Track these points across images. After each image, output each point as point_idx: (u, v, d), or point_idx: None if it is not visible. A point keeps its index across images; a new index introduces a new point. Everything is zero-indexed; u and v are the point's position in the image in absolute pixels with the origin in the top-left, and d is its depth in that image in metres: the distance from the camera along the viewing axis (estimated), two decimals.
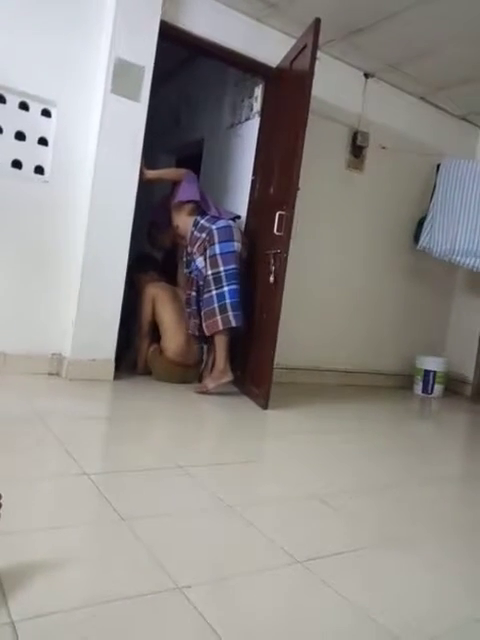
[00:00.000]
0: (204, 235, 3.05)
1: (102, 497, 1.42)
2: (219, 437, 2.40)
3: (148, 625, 0.93)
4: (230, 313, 2.93)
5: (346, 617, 1.04)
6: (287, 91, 3.03)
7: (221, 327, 2.94)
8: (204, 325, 3.01)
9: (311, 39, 2.67)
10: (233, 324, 2.92)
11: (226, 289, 2.94)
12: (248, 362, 3.09)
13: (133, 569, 1.10)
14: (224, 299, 2.94)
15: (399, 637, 0.99)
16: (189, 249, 3.17)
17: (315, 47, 2.67)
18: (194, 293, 3.11)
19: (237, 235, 3.06)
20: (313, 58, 2.66)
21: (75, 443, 1.82)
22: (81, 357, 2.81)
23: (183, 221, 3.19)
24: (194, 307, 3.11)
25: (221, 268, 2.96)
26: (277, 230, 2.76)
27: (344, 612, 1.06)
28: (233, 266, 2.97)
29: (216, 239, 2.99)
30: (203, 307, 3.02)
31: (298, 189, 2.72)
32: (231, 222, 3.08)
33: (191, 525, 1.36)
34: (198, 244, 3.08)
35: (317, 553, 1.27)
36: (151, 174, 3.03)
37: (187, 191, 3.11)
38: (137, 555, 1.15)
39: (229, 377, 2.96)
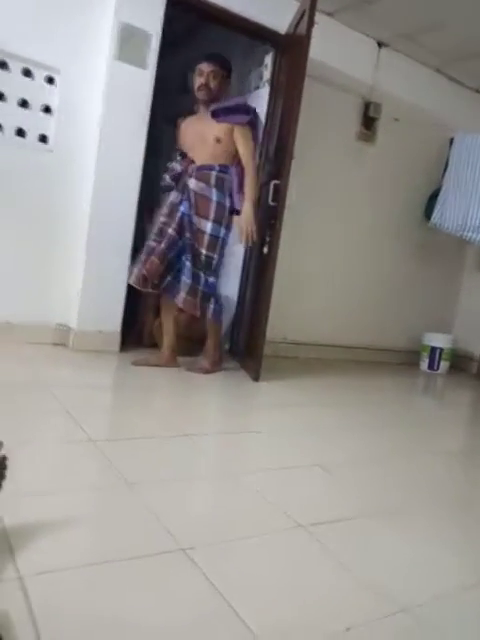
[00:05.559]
0: (214, 198, 2.65)
1: (108, 462, 1.44)
2: (214, 407, 2.41)
3: (152, 583, 0.95)
4: (210, 304, 2.72)
5: (346, 581, 1.06)
6: (291, 58, 2.95)
7: (198, 314, 2.72)
8: (181, 298, 2.68)
9: (309, 2, 2.59)
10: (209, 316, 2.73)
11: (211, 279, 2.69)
12: (244, 334, 3.09)
13: (138, 531, 1.12)
14: (205, 286, 2.67)
15: (396, 600, 1.01)
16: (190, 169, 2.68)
17: (313, 10, 2.57)
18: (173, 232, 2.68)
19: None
20: (310, 22, 2.57)
21: (82, 411, 1.83)
22: (87, 328, 2.81)
23: (224, 145, 2.66)
24: (163, 246, 2.65)
25: (215, 254, 2.67)
26: (272, 200, 2.72)
27: (344, 576, 1.07)
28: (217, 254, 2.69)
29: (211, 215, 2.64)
30: (187, 279, 2.68)
31: (293, 158, 2.65)
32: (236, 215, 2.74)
33: (195, 491, 1.38)
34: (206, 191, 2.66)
35: (319, 519, 1.28)
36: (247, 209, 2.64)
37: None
38: (142, 518, 1.17)
39: (220, 367, 2.84)
